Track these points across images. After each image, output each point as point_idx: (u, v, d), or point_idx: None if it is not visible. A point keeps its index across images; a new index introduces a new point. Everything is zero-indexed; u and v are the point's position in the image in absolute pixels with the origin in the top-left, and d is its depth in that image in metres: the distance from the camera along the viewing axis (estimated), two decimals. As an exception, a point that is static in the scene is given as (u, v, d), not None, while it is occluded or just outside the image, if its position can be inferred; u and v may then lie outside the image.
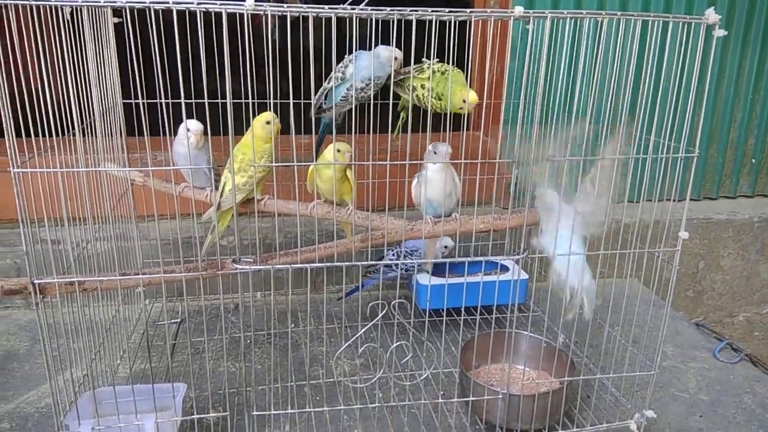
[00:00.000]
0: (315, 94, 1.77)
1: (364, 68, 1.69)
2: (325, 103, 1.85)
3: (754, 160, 2.90)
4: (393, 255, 2.05)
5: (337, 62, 1.75)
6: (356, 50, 1.69)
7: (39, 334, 1.25)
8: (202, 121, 1.57)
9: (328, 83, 1.80)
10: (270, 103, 1.26)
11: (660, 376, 1.69)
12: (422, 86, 1.76)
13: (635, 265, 1.51)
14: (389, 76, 1.74)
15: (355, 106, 1.65)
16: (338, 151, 1.53)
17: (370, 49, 1.50)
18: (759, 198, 2.97)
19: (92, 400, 1.38)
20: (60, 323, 1.33)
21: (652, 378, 1.55)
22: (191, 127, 1.58)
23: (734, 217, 2.71)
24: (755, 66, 2.74)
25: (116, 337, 1.83)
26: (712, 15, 1.31)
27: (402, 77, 1.81)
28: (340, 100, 1.77)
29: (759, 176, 2.94)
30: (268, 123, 1.56)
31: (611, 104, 1.42)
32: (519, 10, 1.25)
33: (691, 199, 1.48)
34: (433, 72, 1.73)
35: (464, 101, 1.68)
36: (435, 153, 1.53)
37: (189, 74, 1.42)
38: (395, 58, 1.70)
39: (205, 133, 1.59)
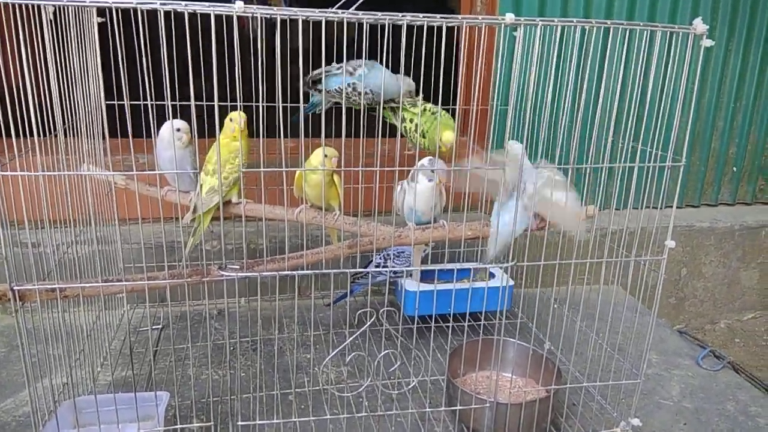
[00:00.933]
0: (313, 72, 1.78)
1: (375, 77, 1.70)
2: (319, 84, 1.82)
3: (735, 168, 2.94)
4: (380, 258, 2.03)
5: (327, 65, 1.74)
6: (352, 54, 1.68)
7: (17, 339, 1.21)
8: (188, 123, 1.54)
9: (333, 67, 1.79)
10: (261, 105, 1.24)
11: (644, 383, 1.69)
12: (411, 120, 1.79)
13: (620, 273, 1.51)
14: (388, 100, 1.78)
15: (346, 109, 1.64)
16: (325, 156, 1.52)
17: (372, 57, 1.48)
18: (740, 206, 3.01)
19: (72, 409, 1.35)
20: (39, 329, 1.30)
21: (638, 386, 1.56)
22: (180, 126, 1.55)
23: (716, 224, 2.74)
24: (737, 74, 2.77)
25: (97, 343, 1.79)
26: (699, 25, 1.32)
27: (394, 105, 1.83)
28: (335, 90, 1.76)
29: (740, 184, 2.98)
30: (231, 120, 1.57)
31: (599, 112, 1.43)
32: (510, 17, 1.25)
33: (669, 206, 1.49)
34: (424, 109, 1.76)
35: (440, 139, 1.72)
36: (432, 171, 1.53)
37: (174, 76, 1.40)
38: (409, 92, 1.75)
39: (193, 135, 1.57)
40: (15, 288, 1.20)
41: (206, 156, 1.65)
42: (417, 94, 1.87)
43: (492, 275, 2.17)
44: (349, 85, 1.72)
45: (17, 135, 1.18)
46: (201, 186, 1.61)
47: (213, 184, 1.58)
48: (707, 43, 1.31)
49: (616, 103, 1.36)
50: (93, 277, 1.68)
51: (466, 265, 1.57)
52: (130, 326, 2.08)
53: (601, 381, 1.65)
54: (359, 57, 1.38)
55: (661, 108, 1.40)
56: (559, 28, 1.31)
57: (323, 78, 1.77)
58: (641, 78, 1.37)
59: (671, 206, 1.49)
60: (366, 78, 1.70)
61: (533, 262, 1.48)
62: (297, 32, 1.18)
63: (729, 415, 1.79)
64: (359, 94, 1.72)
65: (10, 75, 1.22)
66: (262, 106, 1.29)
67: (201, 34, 1.31)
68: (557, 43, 1.32)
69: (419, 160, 1.61)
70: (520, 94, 1.95)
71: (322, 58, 1.34)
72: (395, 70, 1.68)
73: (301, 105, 1.30)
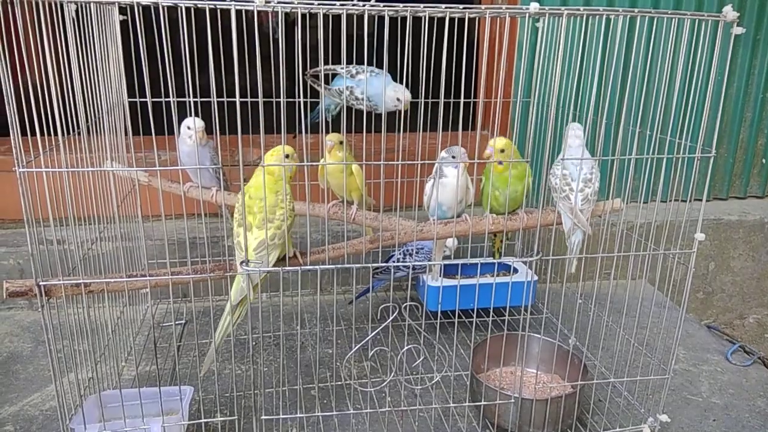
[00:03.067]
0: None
1: (374, 87, 1.65)
2: (319, 80, 1.81)
3: (764, 160, 2.87)
4: (400, 254, 2.02)
5: (348, 60, 1.73)
6: (367, 49, 1.67)
7: (43, 335, 1.23)
8: (209, 120, 1.54)
9: (338, 66, 1.75)
10: (282, 101, 1.23)
11: (672, 379, 1.66)
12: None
13: (647, 268, 1.48)
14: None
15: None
16: (287, 156, 1.36)
17: (391, 51, 1.45)
18: (769, 198, 2.94)
19: (98, 403, 1.36)
20: (65, 325, 1.31)
21: (666, 382, 1.53)
22: (190, 124, 1.56)
23: (745, 217, 2.68)
24: (766, 64, 2.70)
25: (121, 339, 1.80)
26: (730, 12, 1.28)
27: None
28: (336, 90, 1.74)
29: (769, 176, 2.91)
30: (287, 157, 1.33)
31: (625, 103, 1.39)
32: (534, 6, 1.22)
33: (697, 199, 1.45)
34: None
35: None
36: (453, 158, 1.49)
37: (195, 72, 1.40)
38: (398, 99, 1.67)
39: (211, 132, 1.57)
40: (41, 283, 1.21)
41: (237, 208, 1.34)
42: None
43: (515, 270, 2.15)
44: (347, 87, 1.68)
45: (41, 133, 1.19)
46: (241, 246, 1.28)
47: (263, 237, 1.27)
48: (738, 30, 1.28)
49: (643, 94, 1.33)
50: (117, 273, 1.69)
51: (489, 260, 1.55)
52: (154, 322, 2.10)
53: (628, 377, 1.62)
54: (379, 51, 1.36)
55: (692, 98, 1.36)
56: (585, 18, 1.28)
57: (321, 74, 1.75)
58: (669, 68, 1.34)
59: (699, 199, 1.46)
60: (367, 84, 1.65)
61: (559, 256, 1.46)
62: (316, 28, 1.17)
63: (760, 412, 1.75)
64: (356, 99, 1.69)
65: (34, 73, 1.23)
66: (283, 102, 1.28)
67: (221, 31, 1.31)
68: (581, 33, 1.30)
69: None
70: (544, 87, 1.92)
71: (342, 53, 1.33)
72: (400, 66, 1.64)
73: (322, 102, 1.29)
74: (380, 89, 1.60)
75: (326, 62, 1.62)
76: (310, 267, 1.33)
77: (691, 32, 1.31)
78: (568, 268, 1.51)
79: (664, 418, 1.52)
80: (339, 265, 1.31)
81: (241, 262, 1.28)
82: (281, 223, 1.30)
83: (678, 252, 1.46)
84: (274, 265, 1.30)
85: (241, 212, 1.29)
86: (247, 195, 1.30)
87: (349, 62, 1.73)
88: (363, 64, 1.64)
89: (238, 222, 1.31)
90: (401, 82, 1.74)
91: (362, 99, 1.66)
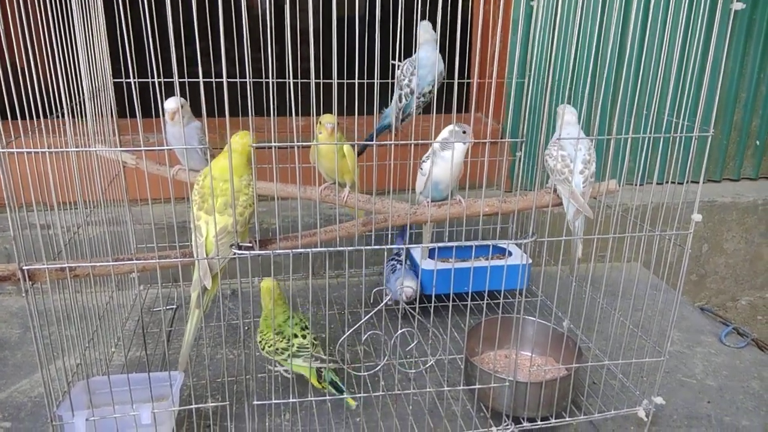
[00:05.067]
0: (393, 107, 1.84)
1: (424, 76, 1.73)
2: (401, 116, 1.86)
3: (758, 142, 2.86)
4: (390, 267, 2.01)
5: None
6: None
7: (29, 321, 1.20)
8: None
9: (400, 101, 1.82)
10: (271, 82, 1.20)
11: (666, 362, 1.65)
12: None
13: (643, 250, 1.47)
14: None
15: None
16: (319, 123, 1.51)
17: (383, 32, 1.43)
18: (763, 180, 2.93)
19: (86, 389, 1.34)
20: (51, 310, 1.28)
21: (662, 364, 1.52)
22: (166, 106, 1.52)
23: (738, 199, 2.67)
24: (761, 44, 2.68)
25: (110, 324, 1.78)
26: (730, -13, 1.25)
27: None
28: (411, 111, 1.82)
29: (763, 158, 2.90)
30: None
31: (622, 81, 1.37)
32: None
33: (694, 181, 1.43)
34: None
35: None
36: (464, 132, 1.45)
37: (182, 53, 1.36)
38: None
39: (200, 114, 1.53)
40: (24, 268, 1.18)
41: (197, 190, 1.28)
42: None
43: (509, 253, 2.13)
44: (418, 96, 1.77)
45: (22, 117, 1.15)
46: (206, 237, 1.25)
47: (227, 223, 1.24)
48: (738, 6, 1.25)
49: (640, 72, 1.30)
50: (104, 257, 1.66)
51: (484, 243, 1.53)
52: (144, 307, 2.07)
53: (623, 359, 1.61)
54: (371, 30, 1.32)
55: (689, 76, 1.34)
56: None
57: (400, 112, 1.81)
58: (667, 44, 1.31)
59: (696, 181, 1.44)
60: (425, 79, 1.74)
61: (554, 238, 1.44)
62: (306, 11, 1.13)
63: (754, 393, 1.75)
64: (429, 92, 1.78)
65: (14, 54, 1.19)
66: (272, 83, 1.25)
67: (209, 10, 1.27)
68: (576, 11, 1.26)
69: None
70: (538, 66, 1.89)
71: (333, 33, 1.29)
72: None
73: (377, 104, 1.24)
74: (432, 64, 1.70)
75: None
76: (302, 250, 1.30)
77: (689, 8, 1.28)
78: (574, 252, 1.48)
79: (659, 400, 1.51)
80: (331, 248, 1.28)
81: (231, 245, 1.25)
82: (244, 210, 1.27)
83: (674, 233, 1.44)
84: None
85: (201, 194, 1.25)
86: (208, 177, 1.23)
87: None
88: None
89: (198, 205, 1.26)
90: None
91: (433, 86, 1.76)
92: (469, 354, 1.59)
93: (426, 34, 1.75)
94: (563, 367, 1.62)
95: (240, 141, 1.26)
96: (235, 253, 1.25)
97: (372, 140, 1.91)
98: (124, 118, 1.93)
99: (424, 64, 1.72)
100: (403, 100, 1.78)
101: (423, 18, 1.70)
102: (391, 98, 1.84)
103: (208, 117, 1.24)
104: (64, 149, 1.21)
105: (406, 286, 1.82)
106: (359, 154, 1.98)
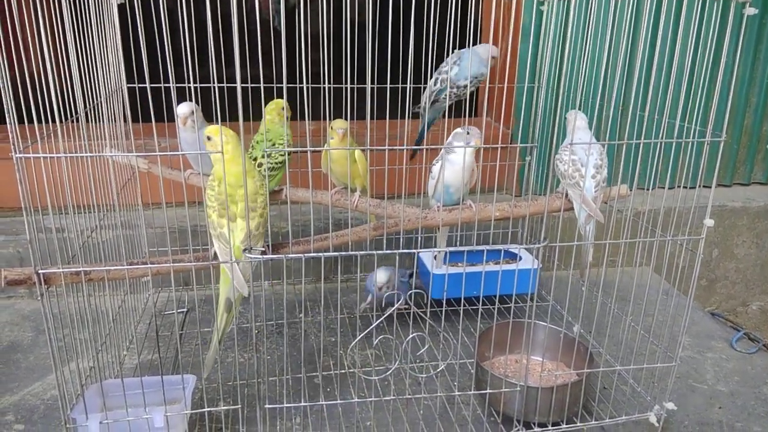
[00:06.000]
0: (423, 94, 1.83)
1: (466, 68, 1.72)
2: (428, 104, 1.87)
3: (769, 146, 2.84)
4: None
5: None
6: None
7: (43, 324, 1.21)
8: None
9: (435, 85, 1.81)
10: (284, 87, 1.21)
11: (677, 367, 1.65)
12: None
13: (654, 255, 1.46)
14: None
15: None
16: (331, 128, 1.54)
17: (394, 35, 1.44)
18: (773, 185, 2.92)
19: (100, 392, 1.35)
20: (65, 313, 1.29)
21: (673, 369, 1.52)
22: (179, 111, 1.53)
23: (749, 204, 2.66)
24: (772, 49, 2.67)
25: (122, 327, 1.79)
26: (742, -8, 1.25)
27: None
28: (442, 98, 1.81)
29: (774, 163, 2.88)
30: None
31: (634, 85, 1.37)
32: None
33: (705, 186, 1.43)
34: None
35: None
36: (468, 133, 1.46)
37: (195, 58, 1.37)
38: (493, 57, 1.73)
39: (214, 119, 1.54)
40: (40, 272, 1.19)
41: (213, 196, 1.27)
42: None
43: (519, 258, 2.13)
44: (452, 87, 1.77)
45: (38, 120, 1.16)
46: (224, 239, 1.24)
47: (251, 225, 1.24)
48: (751, 11, 1.25)
49: (652, 77, 1.30)
50: (117, 261, 1.67)
51: (495, 247, 1.53)
52: (155, 310, 2.08)
53: (634, 365, 1.61)
54: (382, 33, 1.33)
55: (702, 81, 1.33)
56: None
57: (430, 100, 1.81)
58: (678, 50, 1.31)
59: (708, 186, 1.43)
60: (464, 72, 1.74)
61: (565, 243, 1.44)
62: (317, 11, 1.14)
63: (766, 399, 1.74)
64: (464, 86, 1.78)
65: (31, 60, 1.20)
66: (285, 88, 1.26)
67: (221, 17, 1.28)
68: (586, 16, 1.27)
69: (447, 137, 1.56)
70: (551, 72, 1.90)
71: (346, 38, 1.30)
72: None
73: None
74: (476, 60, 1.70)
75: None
76: (313, 255, 1.31)
77: (701, 13, 1.28)
78: (585, 257, 1.48)
79: (670, 405, 1.50)
80: (343, 253, 1.28)
81: (245, 249, 1.26)
82: (263, 211, 1.27)
83: (687, 238, 1.44)
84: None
85: (220, 201, 1.24)
86: (221, 183, 1.24)
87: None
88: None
89: (218, 213, 1.25)
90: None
91: (472, 83, 1.76)
92: (480, 359, 1.59)
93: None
94: (574, 372, 1.62)
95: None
96: (248, 258, 1.26)
97: (421, 139, 1.93)
98: (136, 123, 1.94)
99: (467, 58, 1.74)
100: (438, 84, 1.79)
101: (434, 25, 1.71)
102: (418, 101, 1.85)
103: (220, 122, 1.26)
104: (78, 154, 1.22)
105: (379, 278, 1.83)
106: (411, 157, 1.99)
